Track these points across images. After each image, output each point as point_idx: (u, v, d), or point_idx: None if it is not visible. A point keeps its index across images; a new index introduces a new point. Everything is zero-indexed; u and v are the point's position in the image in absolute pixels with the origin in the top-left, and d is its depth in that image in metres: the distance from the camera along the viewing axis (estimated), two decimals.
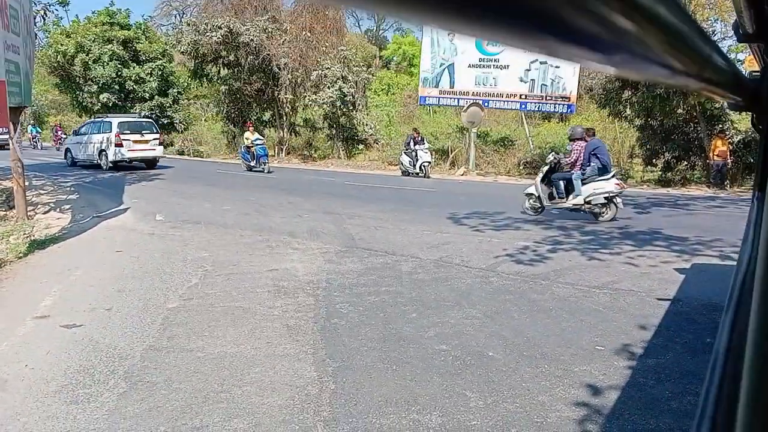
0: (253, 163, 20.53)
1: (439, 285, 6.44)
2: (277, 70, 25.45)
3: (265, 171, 19.95)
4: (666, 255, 7.67)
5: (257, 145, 20.20)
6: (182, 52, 27.44)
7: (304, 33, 25.51)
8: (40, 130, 37.06)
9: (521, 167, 21.45)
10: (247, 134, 21.19)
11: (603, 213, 10.40)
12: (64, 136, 30.60)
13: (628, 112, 18.35)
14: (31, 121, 35.78)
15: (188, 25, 26.36)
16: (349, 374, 4.11)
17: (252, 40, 24.71)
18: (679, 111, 17.65)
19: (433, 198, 14.18)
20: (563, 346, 4.61)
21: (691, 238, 8.75)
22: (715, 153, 16.90)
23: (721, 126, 17.90)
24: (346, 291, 6.18)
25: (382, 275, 6.85)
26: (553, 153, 11.57)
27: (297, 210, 11.62)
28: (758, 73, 2.16)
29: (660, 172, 19.10)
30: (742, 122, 21.62)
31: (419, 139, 20.70)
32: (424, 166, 20.06)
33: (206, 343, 4.78)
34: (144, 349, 4.67)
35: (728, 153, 16.94)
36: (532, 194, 10.97)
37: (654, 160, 19.18)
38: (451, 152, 24.29)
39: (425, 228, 9.74)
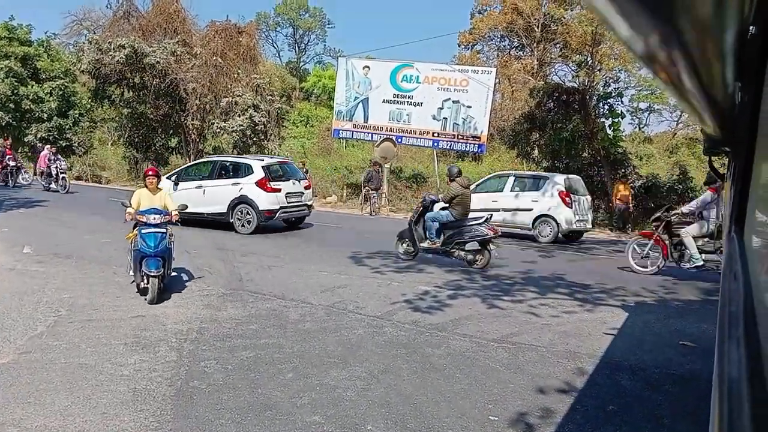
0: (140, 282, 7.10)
1: (327, 336, 5.79)
2: (185, 95, 24.32)
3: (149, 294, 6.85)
4: (568, 304, 7.38)
5: (148, 228, 6.99)
6: (82, 71, 25.79)
7: (215, 58, 24.56)
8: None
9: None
10: (140, 192, 7.39)
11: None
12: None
13: (536, 153, 18.61)
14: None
15: (90, 42, 24.80)
16: None
17: (158, 62, 23.51)
18: (584, 154, 18.06)
19: (338, 235, 13.58)
20: (453, 416, 4.06)
21: (593, 285, 8.56)
22: (617, 197, 17.31)
23: (623, 171, 18.45)
24: (218, 344, 5.42)
25: (265, 324, 6.13)
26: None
27: (185, 245, 10.63)
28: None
29: None
30: (643, 168, 22.52)
31: (305, 170, 20.29)
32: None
33: (27, 413, 3.90)
34: None
35: (630, 197, 17.40)
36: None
37: None
38: (364, 187, 23.92)
39: (323, 268, 9.09)
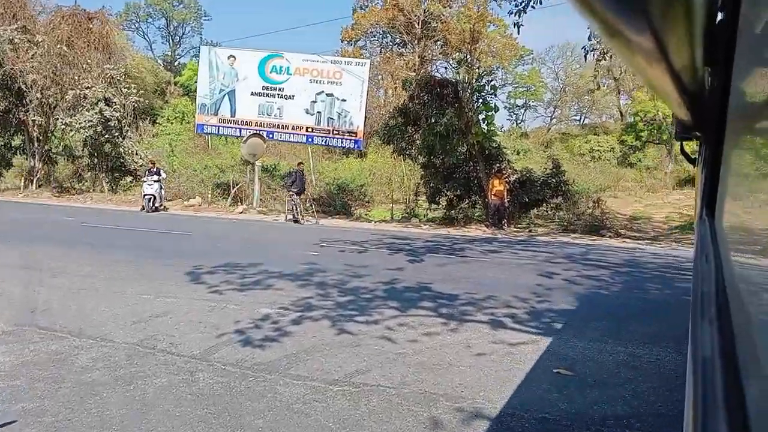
0: None
1: (115, 392, 4.38)
2: (25, 87, 21.46)
3: None
4: (430, 322, 6.38)
5: None
6: None
7: (59, 47, 21.86)
8: None
9: (307, 204, 20.05)
10: None
11: None
12: None
13: (412, 149, 17.86)
14: None
15: None
16: None
17: None
18: (460, 150, 17.49)
19: (186, 244, 11.99)
20: None
21: (461, 295, 7.65)
22: (492, 193, 16.88)
23: (498, 165, 18.08)
24: None
25: (37, 377, 4.61)
26: None
27: None
28: None
29: (444, 210, 18.85)
30: (520, 162, 22.47)
31: (154, 170, 18.71)
32: (146, 200, 18.18)
33: None
34: None
35: (505, 192, 17.02)
36: None
37: (437, 198, 18.90)
38: (234, 187, 22.24)
39: (148, 289, 7.57)
